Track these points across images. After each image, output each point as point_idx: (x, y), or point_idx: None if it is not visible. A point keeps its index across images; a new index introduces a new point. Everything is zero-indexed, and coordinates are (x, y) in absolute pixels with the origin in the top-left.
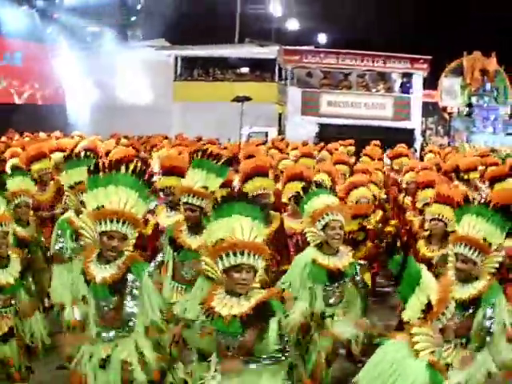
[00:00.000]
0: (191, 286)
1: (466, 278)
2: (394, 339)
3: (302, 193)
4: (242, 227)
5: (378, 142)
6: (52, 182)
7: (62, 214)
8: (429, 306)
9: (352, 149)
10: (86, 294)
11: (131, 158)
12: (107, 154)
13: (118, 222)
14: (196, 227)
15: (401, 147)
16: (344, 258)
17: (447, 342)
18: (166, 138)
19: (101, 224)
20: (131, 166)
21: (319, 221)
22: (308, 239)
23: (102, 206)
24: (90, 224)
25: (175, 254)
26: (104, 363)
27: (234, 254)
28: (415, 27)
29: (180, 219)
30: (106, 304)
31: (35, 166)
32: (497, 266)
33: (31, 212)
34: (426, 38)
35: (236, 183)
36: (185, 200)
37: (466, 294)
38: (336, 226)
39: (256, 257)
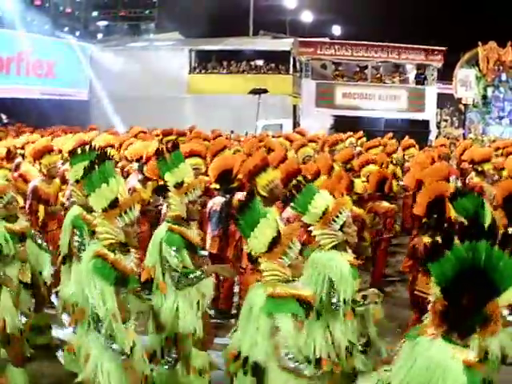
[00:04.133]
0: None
1: None
2: (426, 336)
3: (294, 191)
4: (277, 219)
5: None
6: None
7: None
8: (274, 241)
9: (364, 140)
10: None
11: None
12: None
13: None
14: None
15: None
16: (350, 253)
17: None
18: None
19: None
20: None
21: (335, 221)
22: (322, 242)
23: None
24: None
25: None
26: None
27: (294, 243)
28: (430, 18)
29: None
30: None
31: (44, 160)
32: None
33: (41, 206)
34: (441, 29)
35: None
36: (199, 193)
37: None
38: (351, 222)
39: None
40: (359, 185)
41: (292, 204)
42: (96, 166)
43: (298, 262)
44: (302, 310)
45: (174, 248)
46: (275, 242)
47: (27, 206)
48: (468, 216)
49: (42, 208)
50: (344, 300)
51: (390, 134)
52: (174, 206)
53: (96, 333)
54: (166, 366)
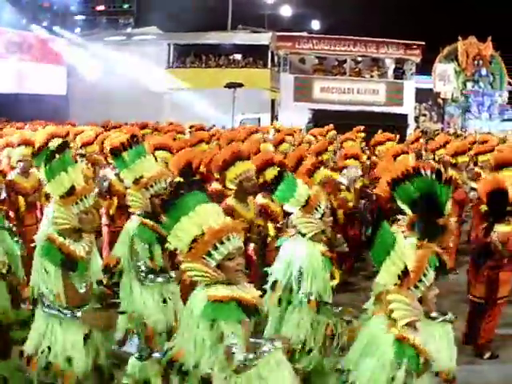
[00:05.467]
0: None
1: None
2: (375, 314)
3: (277, 179)
4: (211, 214)
5: (360, 128)
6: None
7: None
8: (405, 272)
9: (334, 133)
10: None
11: None
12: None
13: None
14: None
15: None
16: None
17: (426, 313)
18: (156, 129)
19: None
20: None
21: (317, 209)
22: (303, 231)
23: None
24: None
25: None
26: None
27: (222, 243)
28: (410, 12)
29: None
30: None
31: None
32: None
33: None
34: (421, 22)
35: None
36: (163, 185)
37: None
38: (328, 212)
39: (239, 236)
40: (320, 174)
41: (274, 194)
42: (56, 155)
43: (229, 263)
44: (243, 314)
45: (147, 244)
46: (196, 241)
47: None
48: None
49: (21, 200)
50: (310, 292)
51: (361, 127)
52: (133, 203)
53: (48, 310)
54: (138, 358)
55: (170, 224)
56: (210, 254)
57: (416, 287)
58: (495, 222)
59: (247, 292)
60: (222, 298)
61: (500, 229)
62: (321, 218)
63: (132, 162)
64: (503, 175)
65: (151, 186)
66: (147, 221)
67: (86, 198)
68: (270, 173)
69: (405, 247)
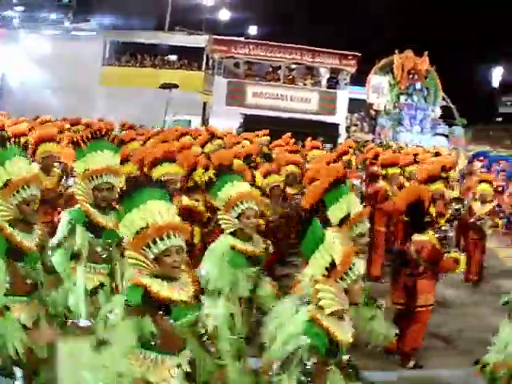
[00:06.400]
0: (108, 265)
1: None
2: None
3: (214, 178)
4: (160, 211)
5: (289, 134)
6: None
7: None
8: (332, 264)
9: (268, 138)
10: None
11: None
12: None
13: None
14: (107, 206)
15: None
16: (259, 245)
17: (353, 304)
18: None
19: None
20: None
21: (233, 209)
22: (222, 227)
23: None
24: None
25: (90, 235)
26: None
27: (162, 239)
28: (348, 23)
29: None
30: None
31: None
32: None
33: None
34: (357, 33)
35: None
36: (105, 180)
37: None
38: (251, 215)
39: (182, 237)
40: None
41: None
42: None
43: (166, 258)
44: (145, 303)
45: (67, 220)
46: (138, 232)
47: None
48: None
49: None
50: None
51: (289, 134)
52: (76, 190)
53: None
54: None
55: (122, 213)
56: (148, 246)
57: (342, 279)
58: (413, 232)
59: (184, 290)
60: (136, 282)
61: (416, 238)
62: (238, 218)
63: (87, 154)
64: (430, 189)
65: (93, 179)
66: (86, 205)
67: (23, 188)
68: (198, 174)
69: (333, 242)
